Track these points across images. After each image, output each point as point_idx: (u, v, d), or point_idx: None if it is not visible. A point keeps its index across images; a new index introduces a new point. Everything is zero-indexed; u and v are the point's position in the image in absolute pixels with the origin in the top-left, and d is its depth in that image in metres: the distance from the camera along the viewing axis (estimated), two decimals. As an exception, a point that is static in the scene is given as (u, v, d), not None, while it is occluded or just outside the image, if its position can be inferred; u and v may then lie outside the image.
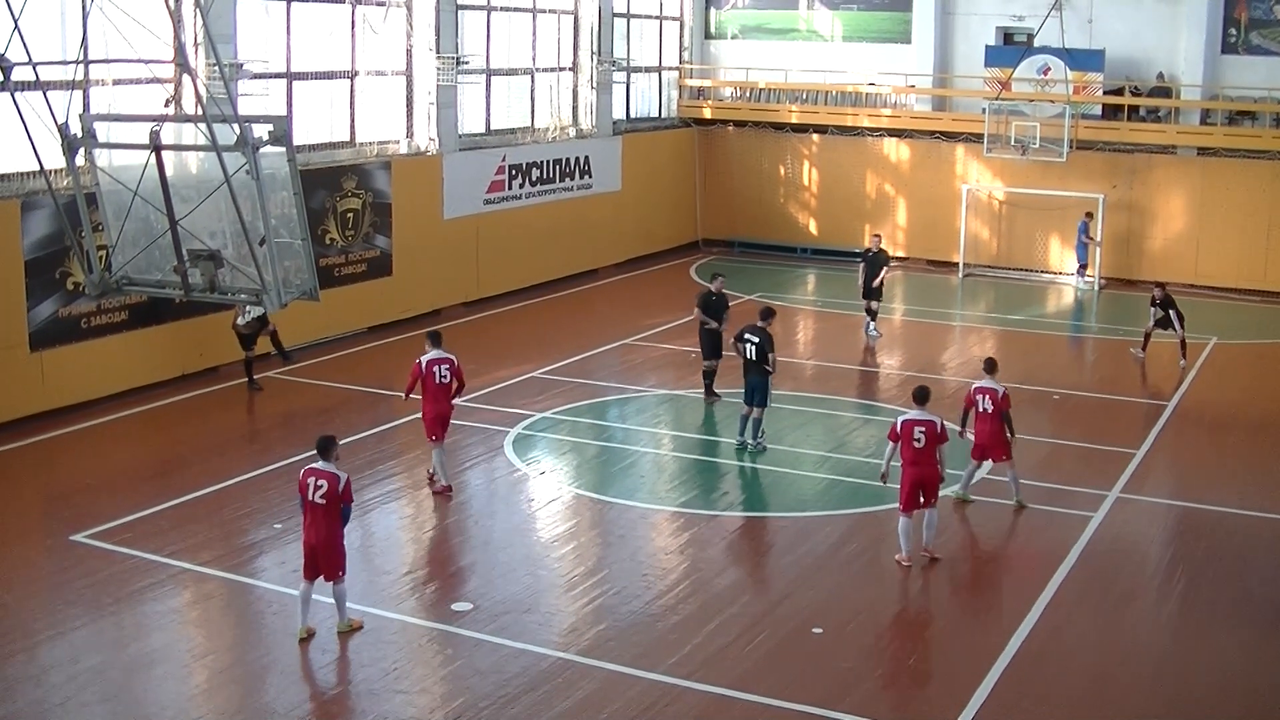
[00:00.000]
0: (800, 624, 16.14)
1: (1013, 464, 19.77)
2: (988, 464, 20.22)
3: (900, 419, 17.85)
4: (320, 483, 15.18)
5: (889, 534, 18.79)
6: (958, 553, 18.53)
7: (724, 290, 25.34)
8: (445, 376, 20.04)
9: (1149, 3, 37.93)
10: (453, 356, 20.21)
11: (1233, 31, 37.17)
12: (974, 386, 19.86)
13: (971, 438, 20.00)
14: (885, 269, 31.45)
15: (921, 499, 17.65)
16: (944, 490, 19.39)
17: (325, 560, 15.32)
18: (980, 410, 19.61)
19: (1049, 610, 16.54)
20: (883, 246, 32.22)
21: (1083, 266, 37.76)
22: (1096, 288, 37.47)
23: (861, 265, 31.63)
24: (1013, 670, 14.96)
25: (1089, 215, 37.43)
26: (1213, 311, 33.82)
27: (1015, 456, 19.85)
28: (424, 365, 19.93)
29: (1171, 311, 28.27)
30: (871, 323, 31.34)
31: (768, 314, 22.69)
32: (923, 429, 17.50)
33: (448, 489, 20.22)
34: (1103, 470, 21.78)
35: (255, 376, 25.65)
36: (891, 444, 17.86)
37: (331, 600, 15.53)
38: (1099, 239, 37.37)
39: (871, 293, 31.18)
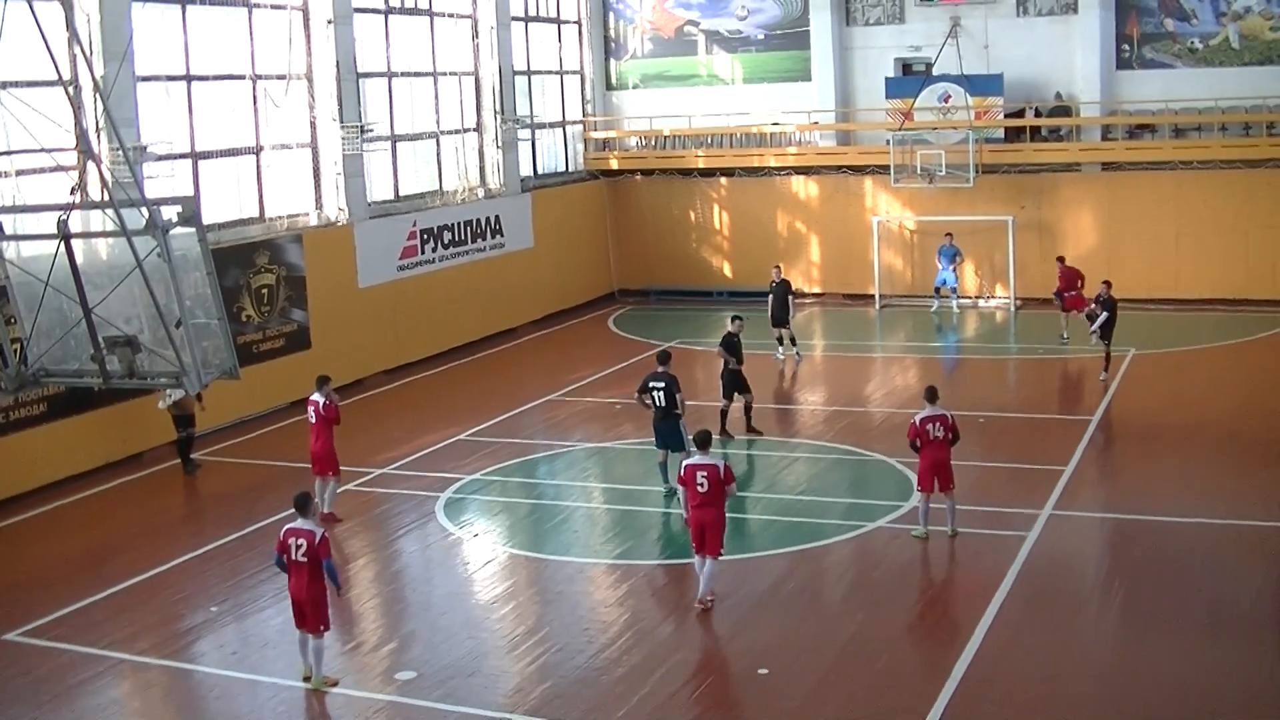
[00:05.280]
0: (745, 666, 16.13)
1: (953, 493, 19.87)
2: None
3: (684, 463, 18.03)
4: (300, 541, 15.62)
5: (828, 569, 18.86)
6: (898, 583, 18.57)
7: (741, 331, 26.47)
8: (313, 418, 21.91)
9: (1043, 25, 38.52)
10: (320, 398, 21.81)
11: (1126, 47, 37.78)
12: (920, 417, 19.74)
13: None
14: (792, 297, 32.50)
15: (704, 544, 17.53)
16: (915, 532, 19.75)
17: (311, 614, 15.66)
18: (932, 439, 19.57)
19: (993, 632, 16.60)
20: (784, 277, 33.04)
21: (953, 289, 38.51)
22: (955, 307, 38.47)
23: (770, 298, 32.38)
24: (961, 696, 14.98)
25: (950, 235, 38.08)
26: (1129, 323, 33.97)
27: (946, 482, 19.97)
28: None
29: (1109, 315, 28.53)
30: (793, 347, 32.51)
31: (666, 357, 22.77)
32: (704, 473, 17.40)
33: (329, 515, 21.53)
34: (1034, 489, 21.94)
35: (192, 455, 25.39)
36: (681, 489, 18.05)
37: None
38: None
39: (781, 320, 32.18)
